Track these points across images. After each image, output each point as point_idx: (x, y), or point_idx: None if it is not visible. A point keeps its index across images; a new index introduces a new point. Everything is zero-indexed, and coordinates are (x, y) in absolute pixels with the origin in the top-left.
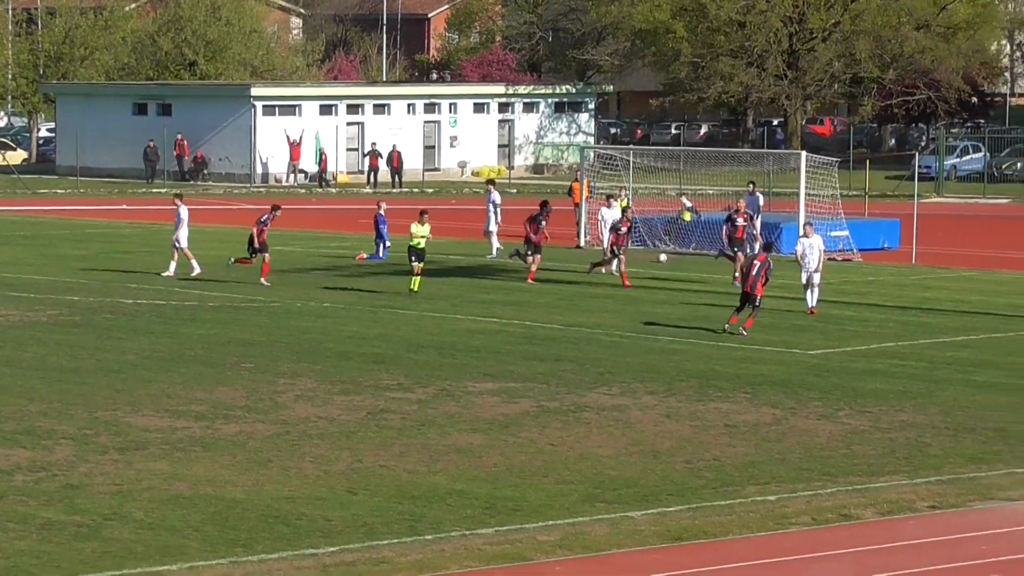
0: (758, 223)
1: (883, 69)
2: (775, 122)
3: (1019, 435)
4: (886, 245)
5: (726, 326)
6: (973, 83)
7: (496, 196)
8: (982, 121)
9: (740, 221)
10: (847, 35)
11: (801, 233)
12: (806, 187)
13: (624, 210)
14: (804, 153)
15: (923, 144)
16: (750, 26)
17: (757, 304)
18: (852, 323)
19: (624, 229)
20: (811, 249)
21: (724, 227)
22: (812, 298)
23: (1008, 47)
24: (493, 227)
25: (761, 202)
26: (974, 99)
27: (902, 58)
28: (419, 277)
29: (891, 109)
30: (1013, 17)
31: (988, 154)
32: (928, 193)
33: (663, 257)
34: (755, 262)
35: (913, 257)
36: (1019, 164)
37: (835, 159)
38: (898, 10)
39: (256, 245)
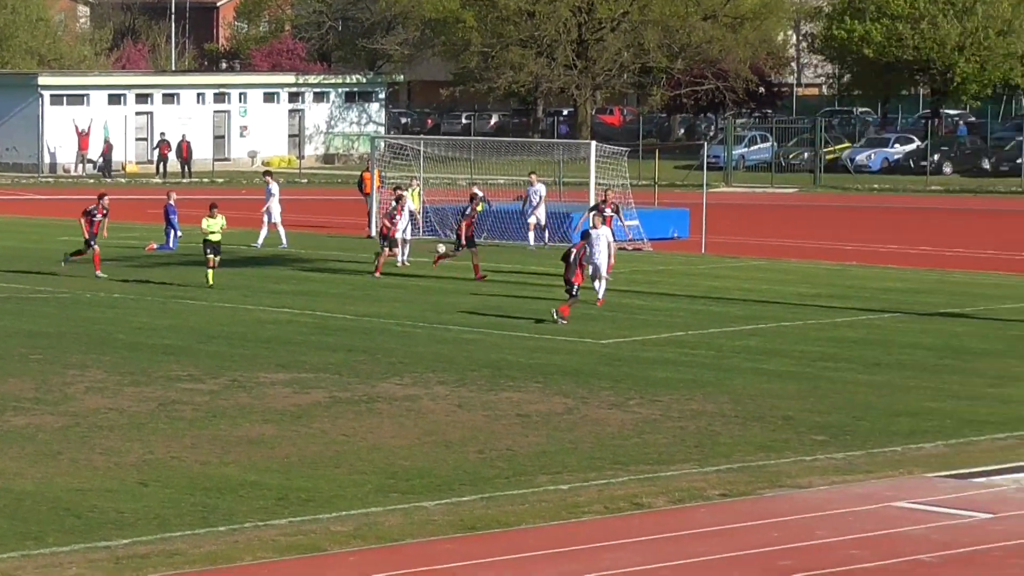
0: (540, 213)
1: (671, 59)
2: (565, 112)
3: (807, 423)
4: (676, 235)
5: (563, 319)
6: (760, 73)
7: (274, 186)
8: (769, 111)
9: (608, 212)
10: (636, 25)
11: (591, 224)
12: (596, 177)
13: (473, 197)
14: (594, 143)
15: (712, 134)
16: (539, 16)
17: (575, 293)
18: (642, 312)
19: (474, 215)
20: (599, 240)
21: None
22: (600, 289)
23: (795, 38)
24: (277, 217)
25: (543, 192)
26: (761, 89)
27: (690, 48)
28: (213, 270)
29: (680, 99)
30: (799, 8)
31: (775, 144)
32: (717, 183)
33: (441, 247)
34: (572, 249)
35: (702, 246)
36: (806, 154)
37: (625, 149)
38: (686, 0)
39: (85, 236)
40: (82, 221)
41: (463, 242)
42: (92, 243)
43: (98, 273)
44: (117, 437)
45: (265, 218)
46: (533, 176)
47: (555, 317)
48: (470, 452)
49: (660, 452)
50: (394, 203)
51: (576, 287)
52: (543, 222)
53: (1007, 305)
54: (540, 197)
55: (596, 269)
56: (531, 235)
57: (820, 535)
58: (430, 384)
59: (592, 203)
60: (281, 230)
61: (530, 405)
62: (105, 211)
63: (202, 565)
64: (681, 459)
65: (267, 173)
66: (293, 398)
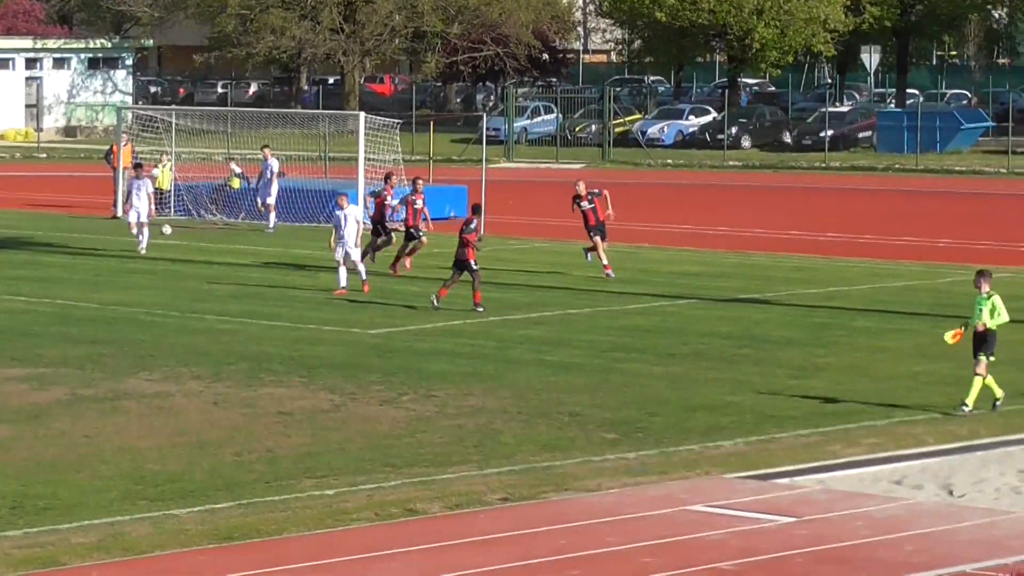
0: (274, 191)
1: (447, 23)
2: (331, 80)
3: (596, 419)
4: (452, 214)
5: (435, 301)
6: (544, 39)
7: None
8: (554, 80)
9: (585, 204)
10: None
11: (336, 204)
12: (366, 151)
13: (416, 180)
14: (363, 114)
15: (491, 104)
16: None
17: (475, 270)
18: (416, 299)
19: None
20: (346, 221)
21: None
22: (362, 272)
23: (581, 1)
24: None
25: (276, 168)
26: (545, 56)
27: (468, 11)
28: None
29: (457, 66)
30: None
31: (561, 116)
32: (497, 158)
33: (167, 229)
34: (464, 226)
35: (481, 227)
36: (593, 127)
37: (397, 120)
38: None
39: None
40: None
41: (413, 232)
42: None
43: None
44: None
45: None
46: (267, 150)
47: (433, 303)
48: (227, 454)
49: (436, 453)
50: (411, 187)
51: (472, 263)
52: (271, 201)
53: (810, 290)
54: (272, 173)
55: (346, 254)
56: (272, 216)
57: (611, 542)
58: (183, 379)
59: (360, 181)
60: None
61: (293, 402)
62: None
63: None
64: (459, 460)
65: None
66: (30, 396)
